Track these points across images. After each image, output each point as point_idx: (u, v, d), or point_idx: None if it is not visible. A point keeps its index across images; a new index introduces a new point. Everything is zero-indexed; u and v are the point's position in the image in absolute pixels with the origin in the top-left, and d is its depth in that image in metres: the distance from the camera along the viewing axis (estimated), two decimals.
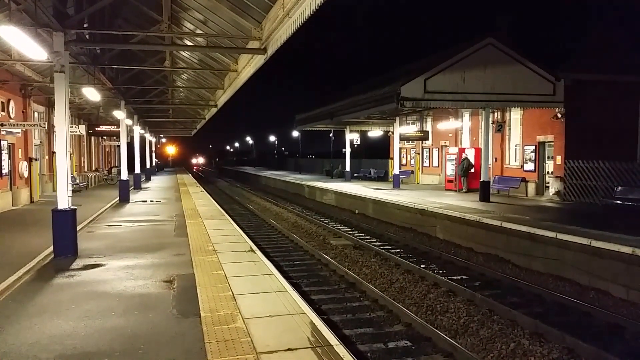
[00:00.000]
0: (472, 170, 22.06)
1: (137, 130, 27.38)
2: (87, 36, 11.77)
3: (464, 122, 25.48)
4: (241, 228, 13.77)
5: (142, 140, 37.76)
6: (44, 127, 18.95)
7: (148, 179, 36.04)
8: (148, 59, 16.82)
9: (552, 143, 19.25)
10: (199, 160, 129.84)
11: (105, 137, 32.00)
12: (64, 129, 9.05)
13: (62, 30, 8.93)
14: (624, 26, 18.98)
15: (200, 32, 13.57)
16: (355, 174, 36.14)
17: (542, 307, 8.64)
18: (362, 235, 15.87)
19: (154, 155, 49.06)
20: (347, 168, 33.77)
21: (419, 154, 30.17)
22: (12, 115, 16.99)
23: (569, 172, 17.94)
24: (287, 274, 10.66)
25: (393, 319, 8.05)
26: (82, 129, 21.74)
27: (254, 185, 44.44)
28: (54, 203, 9.26)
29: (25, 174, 17.82)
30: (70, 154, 11.59)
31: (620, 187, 15.64)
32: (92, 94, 14.97)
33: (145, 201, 20.01)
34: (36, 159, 19.20)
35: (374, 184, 28.70)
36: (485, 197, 18.01)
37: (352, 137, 33.62)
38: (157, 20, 12.27)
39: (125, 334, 5.33)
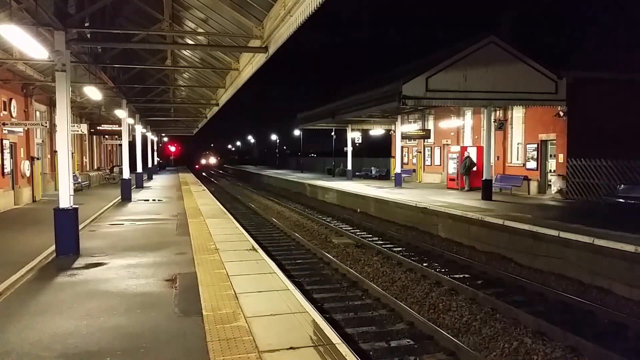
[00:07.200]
0: (474, 168, 22.01)
1: (139, 129, 27.48)
2: (88, 35, 11.76)
3: (466, 121, 25.43)
4: (243, 227, 13.77)
5: (144, 139, 37.80)
6: (46, 126, 18.99)
7: (150, 178, 36.04)
8: (149, 58, 16.84)
9: (555, 141, 19.20)
10: (209, 160, 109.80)
11: (107, 136, 31.93)
12: (66, 128, 9.05)
13: (63, 29, 8.92)
14: (628, 24, 18.91)
15: (202, 30, 13.55)
16: (357, 173, 36.07)
17: (545, 305, 8.61)
18: (363, 234, 15.85)
19: (155, 154, 49.05)
20: (349, 167, 33.74)
21: (420, 152, 30.12)
22: (14, 115, 17.00)
23: (572, 171, 17.89)
24: (289, 272, 10.65)
25: (395, 317, 8.03)
26: (83, 128, 21.73)
27: (256, 184, 44.43)
28: (55, 202, 9.26)
29: (27, 173, 17.85)
30: (72, 153, 11.62)
31: (622, 185, 15.62)
32: (93, 93, 14.98)
33: (147, 200, 20.02)
34: (38, 158, 19.21)
35: (375, 183, 28.67)
36: (487, 195, 17.96)
37: (353, 135, 33.60)
38: (159, 19, 12.28)
39: (127, 332, 5.33)
